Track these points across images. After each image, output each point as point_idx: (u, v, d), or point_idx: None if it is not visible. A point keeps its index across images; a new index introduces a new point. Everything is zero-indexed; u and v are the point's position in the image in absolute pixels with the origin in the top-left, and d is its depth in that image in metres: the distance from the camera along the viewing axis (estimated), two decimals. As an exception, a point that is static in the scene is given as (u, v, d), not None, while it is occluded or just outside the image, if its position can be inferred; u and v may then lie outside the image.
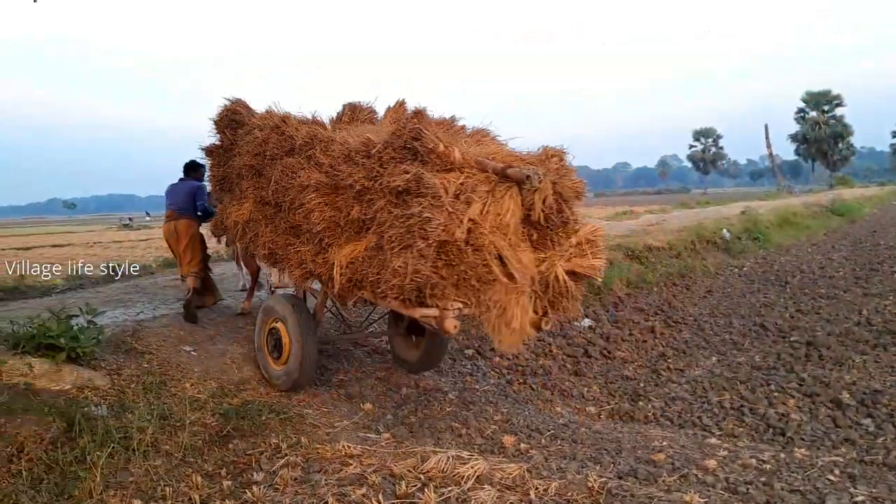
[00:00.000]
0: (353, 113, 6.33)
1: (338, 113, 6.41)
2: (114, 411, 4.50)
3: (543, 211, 4.12)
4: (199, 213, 7.10)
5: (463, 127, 5.43)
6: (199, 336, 6.18)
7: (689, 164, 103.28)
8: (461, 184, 4.09)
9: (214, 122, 6.49)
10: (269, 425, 4.75)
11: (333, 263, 4.62)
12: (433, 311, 4.19)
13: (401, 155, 4.34)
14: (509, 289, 4.06)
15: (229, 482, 3.95)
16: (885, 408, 5.26)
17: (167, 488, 3.83)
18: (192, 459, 4.26)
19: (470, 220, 3.96)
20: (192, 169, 7.25)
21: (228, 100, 6.44)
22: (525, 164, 4.19)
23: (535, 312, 4.41)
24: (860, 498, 3.78)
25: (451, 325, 4.17)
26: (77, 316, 5.05)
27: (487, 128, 5.29)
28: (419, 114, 4.49)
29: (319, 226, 4.78)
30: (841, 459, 4.48)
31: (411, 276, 4.01)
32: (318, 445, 4.46)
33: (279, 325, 5.44)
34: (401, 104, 6.14)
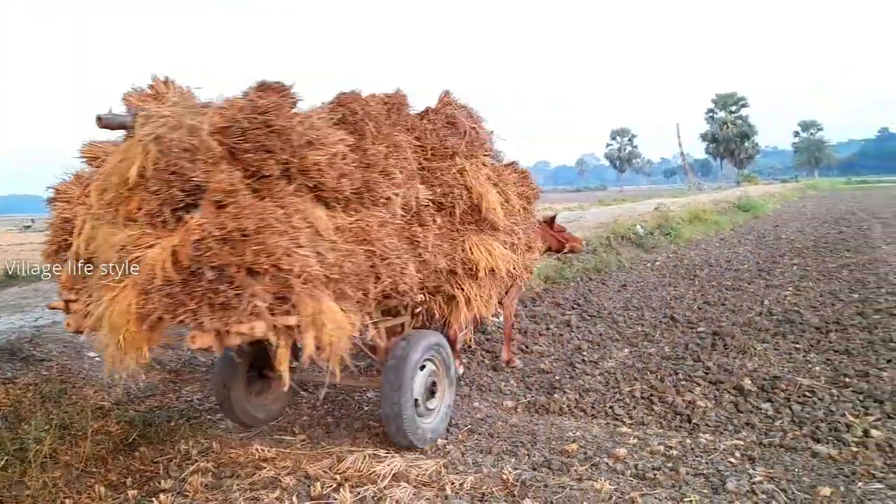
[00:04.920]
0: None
1: None
2: (8, 422, 4.27)
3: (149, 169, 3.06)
4: None
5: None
6: (105, 341, 5.92)
7: (607, 163, 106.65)
8: None
9: None
10: (178, 431, 4.61)
11: None
12: None
13: None
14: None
15: (135, 491, 3.81)
16: (783, 392, 5.53)
17: (67, 500, 3.67)
18: (94, 469, 4.08)
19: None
20: None
21: None
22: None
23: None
24: (758, 478, 3.97)
25: None
26: (-34, 323, 4.75)
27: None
28: None
29: None
30: (742, 443, 4.69)
31: None
32: (230, 450, 4.36)
33: None
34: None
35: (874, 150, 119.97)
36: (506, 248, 4.99)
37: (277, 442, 4.55)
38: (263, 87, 3.54)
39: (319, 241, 3.34)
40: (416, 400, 4.36)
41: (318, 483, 3.79)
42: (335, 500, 3.62)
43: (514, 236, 5.22)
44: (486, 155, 5.16)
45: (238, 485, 3.84)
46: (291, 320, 3.16)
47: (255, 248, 3.04)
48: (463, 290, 4.72)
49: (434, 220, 4.44)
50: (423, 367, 4.45)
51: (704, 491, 3.81)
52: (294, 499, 3.59)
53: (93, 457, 4.16)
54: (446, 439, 4.69)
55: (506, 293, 6.32)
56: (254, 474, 3.98)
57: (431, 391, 4.56)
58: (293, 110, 3.54)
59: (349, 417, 5.20)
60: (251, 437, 4.70)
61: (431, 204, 4.47)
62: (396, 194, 3.97)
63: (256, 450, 4.29)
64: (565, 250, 7.73)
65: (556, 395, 5.82)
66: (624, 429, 5.05)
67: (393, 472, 3.95)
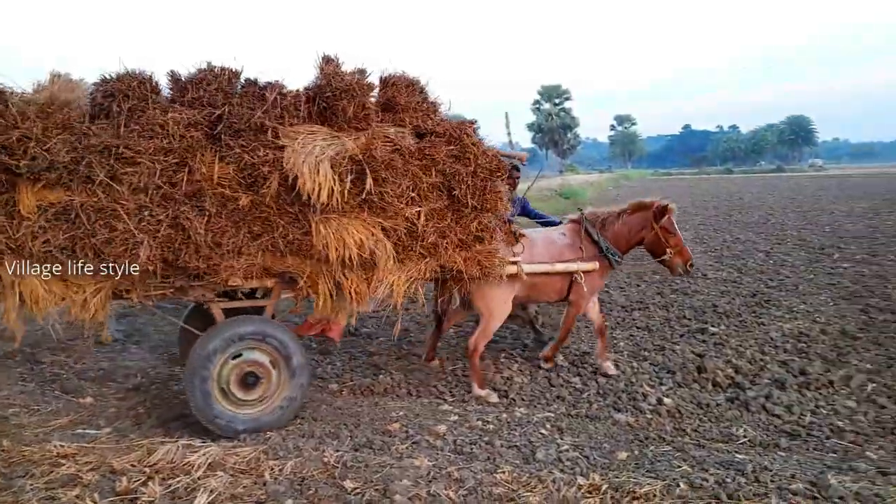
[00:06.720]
0: None
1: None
2: None
3: None
4: None
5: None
6: None
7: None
8: None
9: None
10: (-39, 430, 4.13)
11: None
12: None
13: None
14: None
15: None
16: (591, 367, 5.98)
17: None
18: None
19: None
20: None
21: None
22: None
23: None
24: (565, 447, 4.26)
25: None
26: None
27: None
28: None
29: None
30: (552, 415, 5.01)
31: None
32: (24, 448, 3.97)
33: None
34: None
35: (678, 146, 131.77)
36: (387, 233, 4.51)
37: (79, 437, 4.22)
38: None
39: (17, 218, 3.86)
40: (223, 389, 4.37)
41: (125, 477, 3.55)
42: (143, 493, 3.42)
43: (410, 223, 4.59)
44: (398, 126, 4.75)
45: (32, 484, 3.50)
46: None
47: None
48: (308, 275, 4.50)
49: (233, 201, 4.18)
50: (236, 356, 4.41)
51: (516, 461, 4.02)
52: (96, 495, 3.35)
53: None
54: (267, 425, 4.57)
55: (567, 293, 5.79)
56: (51, 472, 3.65)
57: (246, 382, 4.42)
58: None
59: (162, 408, 4.93)
60: (49, 431, 4.32)
61: (234, 183, 4.19)
62: (125, 174, 3.98)
63: (55, 446, 3.94)
64: (662, 257, 5.90)
65: (381, 376, 5.87)
66: (445, 406, 5.21)
67: (209, 461, 3.80)
